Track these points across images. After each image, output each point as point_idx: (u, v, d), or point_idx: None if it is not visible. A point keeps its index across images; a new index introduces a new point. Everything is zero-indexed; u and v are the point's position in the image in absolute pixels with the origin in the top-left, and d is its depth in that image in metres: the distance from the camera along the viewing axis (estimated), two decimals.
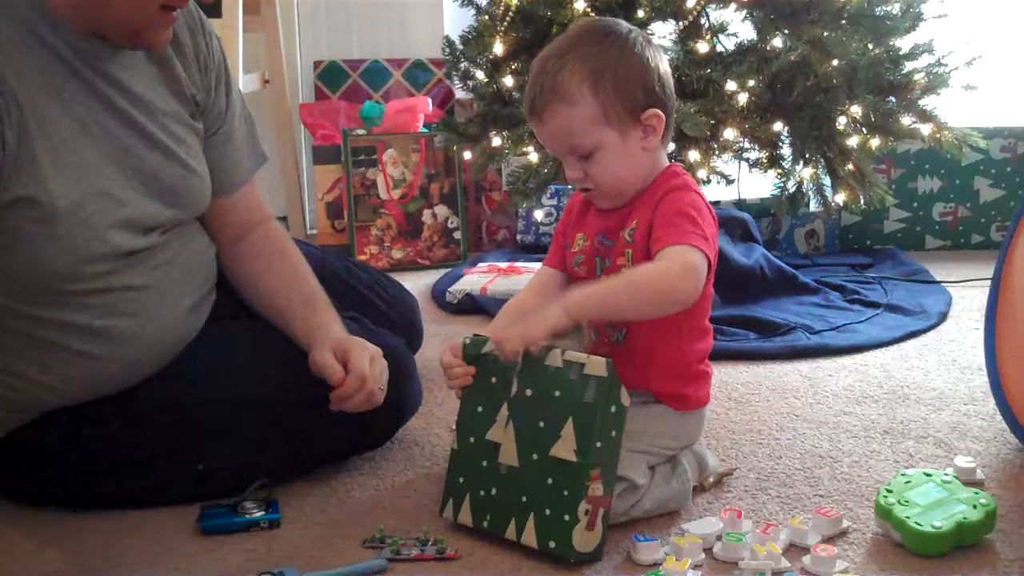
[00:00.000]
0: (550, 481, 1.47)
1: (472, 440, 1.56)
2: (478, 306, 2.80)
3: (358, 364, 1.63)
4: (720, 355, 2.22)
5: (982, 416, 1.97)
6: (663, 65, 1.61)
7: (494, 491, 1.53)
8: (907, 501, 1.52)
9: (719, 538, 1.51)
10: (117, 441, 1.64)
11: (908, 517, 1.48)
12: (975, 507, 1.51)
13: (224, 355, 1.71)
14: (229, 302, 1.81)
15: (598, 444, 1.44)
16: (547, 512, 1.46)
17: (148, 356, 1.66)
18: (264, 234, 1.85)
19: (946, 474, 1.60)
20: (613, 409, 1.46)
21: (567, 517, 1.44)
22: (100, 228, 1.56)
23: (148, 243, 1.64)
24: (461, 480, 1.57)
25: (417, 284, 3.01)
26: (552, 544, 1.46)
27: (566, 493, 1.45)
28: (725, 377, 2.22)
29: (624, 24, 1.63)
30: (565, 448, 1.45)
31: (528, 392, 1.51)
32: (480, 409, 1.56)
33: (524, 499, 1.49)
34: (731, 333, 2.47)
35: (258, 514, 1.60)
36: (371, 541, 1.54)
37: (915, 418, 1.98)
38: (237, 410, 1.65)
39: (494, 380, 1.55)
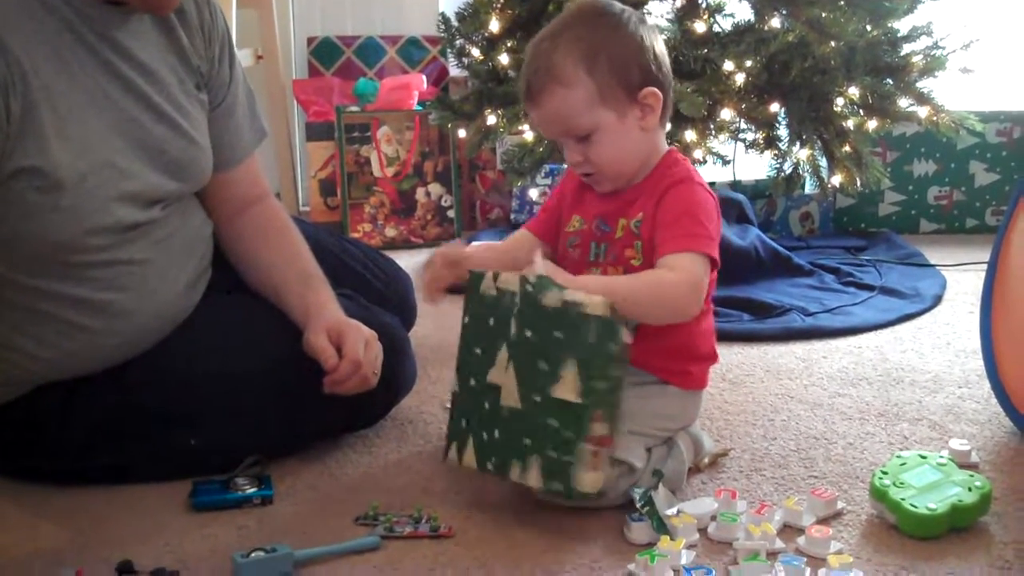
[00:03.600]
0: (553, 423, 1.45)
1: (473, 383, 1.55)
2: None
3: (353, 349, 1.62)
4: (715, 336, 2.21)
5: (977, 399, 1.97)
6: (659, 44, 1.60)
7: (497, 433, 1.52)
8: (902, 483, 1.51)
9: (714, 518, 1.51)
10: (110, 416, 1.63)
11: (903, 499, 1.48)
12: (970, 490, 1.50)
13: (219, 330, 1.70)
14: (225, 278, 1.79)
15: (600, 385, 1.43)
16: (551, 454, 1.45)
17: (145, 331, 1.65)
18: (263, 210, 1.84)
19: (941, 456, 1.60)
20: (614, 348, 1.43)
21: (569, 458, 1.43)
22: (104, 199, 1.55)
23: (150, 217, 1.63)
24: (464, 423, 1.57)
25: (410, 262, 2.98)
26: (557, 485, 1.45)
27: (569, 434, 1.43)
28: (720, 358, 2.20)
29: (618, 4, 1.61)
30: (566, 389, 1.43)
31: (528, 333, 1.49)
32: (478, 351, 1.55)
33: (527, 441, 1.48)
34: (726, 314, 2.46)
35: (250, 490, 1.60)
36: (364, 518, 1.54)
37: (910, 400, 1.98)
38: (230, 386, 1.64)
39: (492, 322, 1.53)
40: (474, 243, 1.73)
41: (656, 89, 1.56)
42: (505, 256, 1.68)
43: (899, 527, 1.48)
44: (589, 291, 1.46)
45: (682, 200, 1.56)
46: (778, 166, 2.69)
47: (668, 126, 1.67)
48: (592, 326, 1.42)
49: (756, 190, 3.19)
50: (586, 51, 1.53)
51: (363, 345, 1.63)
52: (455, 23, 2.76)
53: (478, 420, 1.55)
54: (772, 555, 1.42)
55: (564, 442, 1.44)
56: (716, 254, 1.54)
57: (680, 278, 1.51)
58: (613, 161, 1.58)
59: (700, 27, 2.51)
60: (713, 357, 1.70)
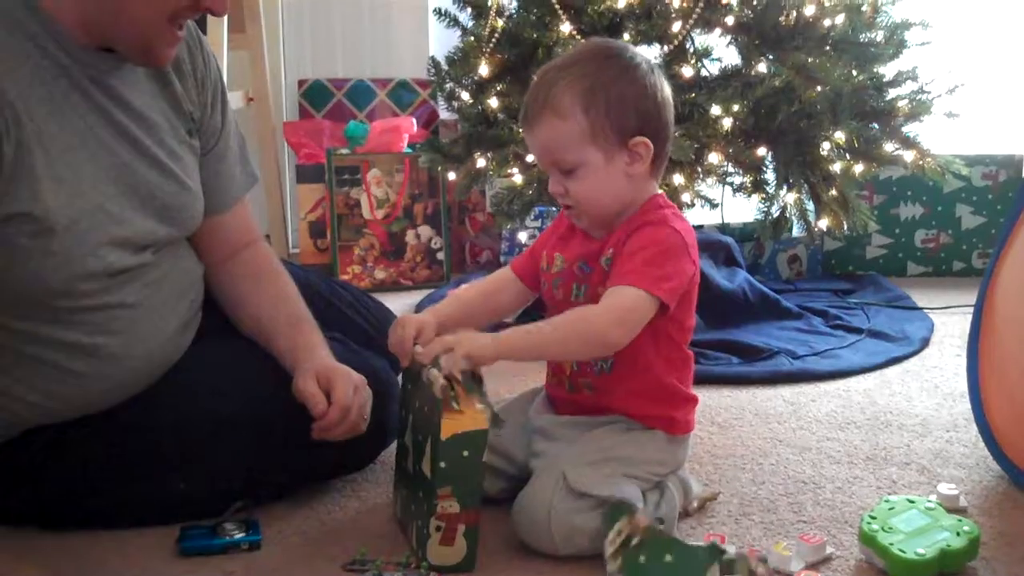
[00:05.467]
0: (420, 493, 1.52)
1: (400, 441, 1.66)
2: None
3: (342, 395, 1.61)
4: (703, 379, 2.21)
5: (965, 443, 1.98)
6: (663, 93, 1.60)
7: (405, 492, 1.62)
8: (891, 528, 1.52)
9: None
10: (98, 459, 1.62)
11: (892, 544, 1.48)
12: (958, 534, 1.51)
13: (207, 374, 1.69)
14: (215, 321, 1.79)
15: (442, 464, 1.45)
16: (418, 522, 1.52)
17: (135, 375, 1.65)
18: (253, 254, 1.84)
19: (929, 501, 1.60)
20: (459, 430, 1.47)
21: (426, 530, 1.48)
22: (95, 244, 1.55)
23: (141, 261, 1.63)
24: (396, 478, 1.69)
25: (400, 305, 3.00)
26: (421, 552, 1.50)
27: (426, 507, 1.49)
28: (708, 401, 2.21)
29: (631, 48, 1.63)
30: (427, 464, 1.49)
31: (417, 404, 1.57)
32: (403, 412, 1.65)
33: (412, 507, 1.56)
34: (714, 357, 2.47)
35: (238, 536, 1.59)
36: (352, 564, 1.53)
37: (898, 444, 1.98)
38: (219, 430, 1.64)
39: (409, 387, 1.62)
40: (450, 291, 1.76)
41: (648, 139, 1.57)
42: (481, 305, 1.74)
43: (888, 572, 1.48)
44: (509, 342, 1.50)
45: (644, 239, 1.56)
46: (766, 209, 2.70)
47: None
48: (437, 406, 1.46)
49: (744, 233, 3.20)
50: (587, 89, 1.54)
51: (352, 390, 1.63)
52: (445, 67, 2.78)
53: (400, 477, 1.66)
54: None
55: (424, 514, 1.49)
56: (664, 294, 1.53)
57: (603, 311, 1.52)
58: (592, 199, 1.59)
59: (688, 72, 2.53)
60: (693, 401, 1.69)
